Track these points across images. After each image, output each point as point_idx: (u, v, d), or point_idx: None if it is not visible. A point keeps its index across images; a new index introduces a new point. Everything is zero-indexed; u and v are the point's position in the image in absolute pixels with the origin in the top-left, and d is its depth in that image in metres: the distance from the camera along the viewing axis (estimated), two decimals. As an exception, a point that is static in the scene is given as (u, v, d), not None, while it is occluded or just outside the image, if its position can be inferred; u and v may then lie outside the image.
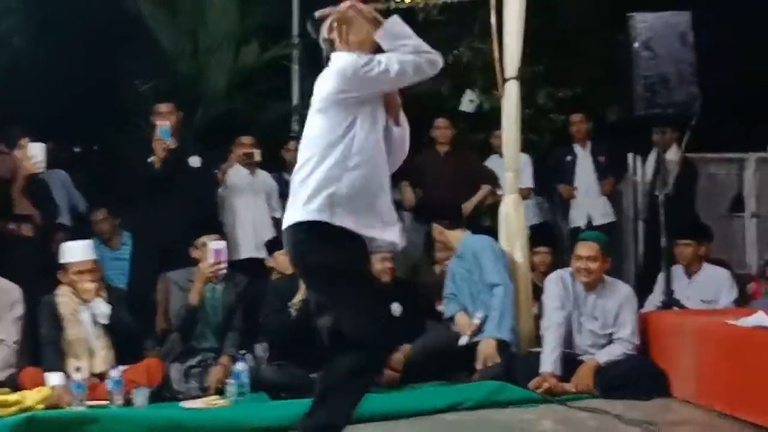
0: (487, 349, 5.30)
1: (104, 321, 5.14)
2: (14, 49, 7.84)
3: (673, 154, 6.65)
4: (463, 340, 5.43)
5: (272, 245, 5.99)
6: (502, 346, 5.31)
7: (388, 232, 3.38)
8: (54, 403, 4.74)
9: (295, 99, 9.18)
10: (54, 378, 4.84)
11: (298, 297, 5.25)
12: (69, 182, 7.07)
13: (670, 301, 5.67)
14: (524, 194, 7.21)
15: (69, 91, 8.26)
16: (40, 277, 5.82)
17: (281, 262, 5.74)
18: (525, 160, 7.38)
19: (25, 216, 6.05)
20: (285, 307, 5.31)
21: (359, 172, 3.28)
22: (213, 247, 5.40)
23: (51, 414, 4.45)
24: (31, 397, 4.71)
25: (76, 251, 5.29)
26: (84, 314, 5.19)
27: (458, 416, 4.63)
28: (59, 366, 4.98)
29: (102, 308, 5.14)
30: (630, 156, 7.93)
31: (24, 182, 5.87)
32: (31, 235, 6.03)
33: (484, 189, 7.30)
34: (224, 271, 5.48)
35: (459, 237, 5.82)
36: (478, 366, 5.26)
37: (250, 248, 6.66)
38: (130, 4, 8.11)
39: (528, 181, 7.41)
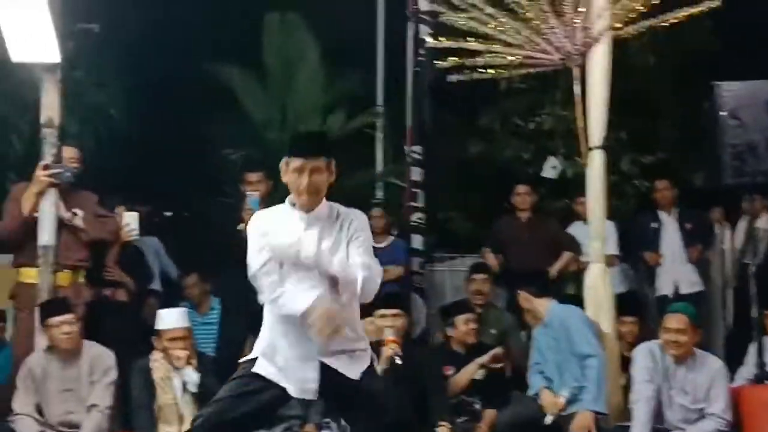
0: (583, 421, 5.21)
1: (194, 389, 5.24)
2: (111, 119, 8.17)
3: (764, 223, 6.52)
4: (548, 419, 5.35)
5: None
6: (599, 418, 5.22)
7: None
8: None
9: (379, 166, 9.33)
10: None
11: (381, 366, 5.27)
12: (161, 249, 7.30)
13: (763, 374, 5.51)
14: (610, 262, 7.16)
15: (162, 158, 8.62)
16: (132, 342, 6.02)
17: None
18: (609, 227, 7.32)
19: (119, 282, 6.29)
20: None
21: None
22: None
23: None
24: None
25: (170, 319, 5.41)
26: (175, 380, 5.30)
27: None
28: (151, 430, 5.07)
29: (192, 376, 5.25)
30: (716, 224, 7.78)
31: (119, 249, 6.09)
32: (125, 301, 6.25)
33: (567, 255, 7.27)
34: None
35: (546, 305, 5.74)
36: None
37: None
38: (221, 74, 8.41)
39: (613, 248, 7.34)
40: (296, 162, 3.48)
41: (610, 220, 6.94)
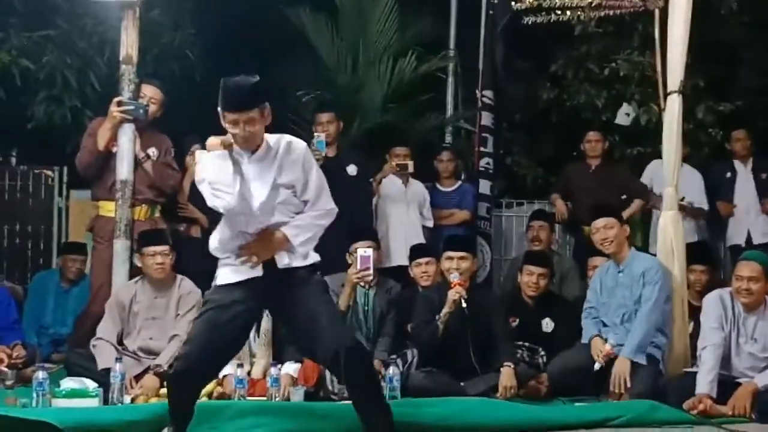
0: (619, 367, 5.22)
1: (268, 327, 5.36)
2: (187, 61, 8.27)
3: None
4: (596, 366, 5.35)
5: (413, 253, 6.07)
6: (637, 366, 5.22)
7: None
8: (218, 396, 5.00)
9: (449, 110, 9.30)
10: (226, 368, 5.08)
11: (446, 309, 5.33)
12: None
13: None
14: (699, 215, 7.09)
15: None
16: (205, 277, 6.17)
17: (417, 272, 5.84)
18: (699, 180, 7.25)
19: (193, 219, 6.44)
20: (433, 318, 5.39)
21: None
22: (360, 254, 5.50)
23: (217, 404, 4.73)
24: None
25: None
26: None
27: (608, 433, 4.60)
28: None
29: (265, 323, 5.36)
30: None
31: (190, 186, 6.23)
32: (198, 237, 6.41)
33: (637, 203, 7.21)
34: (371, 278, 5.57)
35: (627, 247, 5.60)
36: (611, 388, 5.18)
37: (401, 256, 6.77)
38: (294, 18, 8.42)
39: (704, 203, 7.26)
40: (230, 116, 3.76)
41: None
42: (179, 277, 5.57)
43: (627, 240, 5.62)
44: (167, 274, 5.46)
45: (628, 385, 5.12)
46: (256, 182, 3.89)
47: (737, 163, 7.41)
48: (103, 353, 5.23)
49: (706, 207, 7.28)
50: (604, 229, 5.53)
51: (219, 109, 3.81)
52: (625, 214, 7.03)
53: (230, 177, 3.84)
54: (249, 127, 3.78)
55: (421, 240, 6.74)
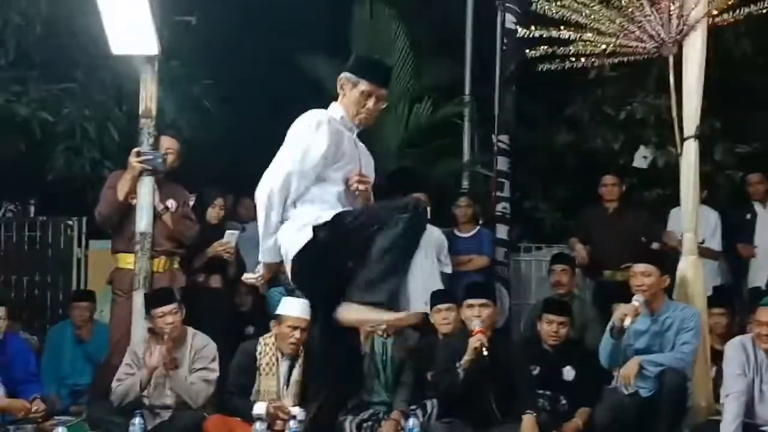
0: (629, 366, 5.18)
1: (297, 378, 5.35)
2: (204, 110, 8.36)
3: None
4: (623, 388, 5.24)
5: (433, 298, 6.03)
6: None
7: None
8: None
9: (466, 155, 9.33)
10: (259, 407, 5.08)
11: (467, 357, 5.29)
12: None
13: None
14: (712, 256, 7.02)
15: (254, 149, 8.75)
16: (225, 328, 6.19)
17: (437, 319, 5.82)
18: (715, 220, 7.20)
19: (214, 268, 6.46)
20: (454, 366, 5.35)
21: None
22: None
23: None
24: (215, 443, 4.96)
25: (295, 307, 5.46)
26: (282, 367, 5.42)
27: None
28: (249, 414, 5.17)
29: (296, 374, 5.37)
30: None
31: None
32: (219, 287, 6.42)
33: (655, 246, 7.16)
34: (384, 326, 5.53)
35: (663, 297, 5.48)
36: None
37: (419, 303, 6.72)
38: (310, 66, 8.51)
39: (717, 244, 7.21)
40: (368, 86, 3.70)
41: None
42: (191, 332, 5.57)
43: (664, 291, 5.49)
44: (179, 331, 5.45)
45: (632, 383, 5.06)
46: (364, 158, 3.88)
47: (757, 205, 7.38)
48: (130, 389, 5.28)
49: (717, 248, 7.21)
50: (641, 276, 5.38)
51: (357, 78, 3.72)
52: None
53: (351, 147, 3.76)
54: (380, 104, 3.78)
55: (440, 286, 6.70)
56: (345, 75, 3.76)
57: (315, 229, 3.53)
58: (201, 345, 5.52)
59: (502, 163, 8.02)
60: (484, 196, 8.53)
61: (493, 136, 8.20)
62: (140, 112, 5.83)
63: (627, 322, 5.19)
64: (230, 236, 6.36)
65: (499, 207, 7.97)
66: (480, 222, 7.75)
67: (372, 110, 3.74)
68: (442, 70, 8.71)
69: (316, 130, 3.61)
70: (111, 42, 5.67)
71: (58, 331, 7.07)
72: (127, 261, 5.85)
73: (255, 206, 7.45)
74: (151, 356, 5.31)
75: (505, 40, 7.99)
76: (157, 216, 5.83)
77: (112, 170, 6.48)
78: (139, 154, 5.73)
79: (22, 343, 6.15)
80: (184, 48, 7.67)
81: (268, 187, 3.64)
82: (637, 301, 5.25)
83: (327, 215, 3.55)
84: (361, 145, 3.84)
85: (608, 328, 5.34)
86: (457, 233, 7.43)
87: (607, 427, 5.25)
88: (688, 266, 5.63)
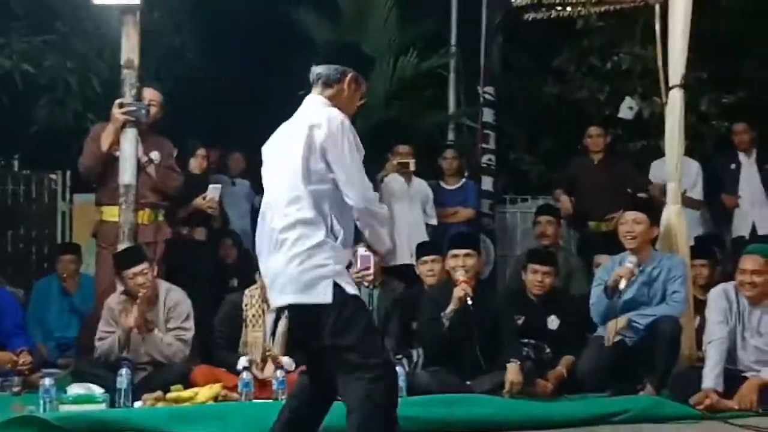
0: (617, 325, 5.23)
1: (283, 330, 5.35)
2: (188, 62, 8.29)
3: None
4: (621, 285, 5.24)
5: (418, 250, 6.06)
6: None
7: None
8: (224, 398, 5.01)
9: (452, 108, 9.30)
10: (242, 361, 5.11)
11: (451, 307, 5.32)
12: (251, 191, 7.54)
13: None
14: (695, 205, 7.06)
15: (237, 101, 8.72)
16: (209, 279, 6.20)
17: (422, 270, 5.84)
18: (696, 169, 7.22)
19: (199, 221, 6.45)
20: (439, 316, 5.39)
21: None
22: (360, 253, 5.45)
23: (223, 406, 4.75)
24: (202, 393, 4.98)
25: None
26: (268, 318, 5.42)
27: (614, 429, 4.58)
28: (234, 366, 5.21)
29: (282, 325, 5.35)
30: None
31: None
32: (203, 240, 6.42)
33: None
34: (371, 277, 5.52)
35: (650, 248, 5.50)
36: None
37: (405, 255, 6.79)
38: (294, 16, 8.43)
39: (699, 193, 7.24)
40: (363, 85, 3.48)
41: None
42: (165, 287, 5.51)
43: (651, 241, 5.51)
44: (151, 291, 5.36)
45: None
46: None
47: (741, 155, 7.39)
48: (111, 346, 5.30)
49: (699, 197, 7.24)
50: (632, 223, 5.41)
51: (351, 74, 3.43)
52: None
53: None
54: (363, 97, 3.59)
55: (425, 238, 6.73)
56: (350, 70, 3.44)
57: None
58: (174, 302, 5.46)
59: (487, 115, 8.01)
60: (470, 148, 8.53)
61: (478, 87, 8.17)
62: (122, 63, 5.76)
63: (622, 284, 5.23)
64: (213, 191, 6.35)
65: (485, 159, 7.97)
66: (465, 174, 7.75)
67: (360, 104, 3.53)
68: (427, 22, 8.63)
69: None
70: (92, -9, 5.60)
71: (45, 285, 7.08)
72: (111, 213, 5.81)
73: (244, 160, 7.61)
74: (127, 317, 5.27)
75: (493, -10, 7.93)
76: (141, 168, 5.79)
77: (95, 122, 6.43)
78: (121, 105, 5.68)
79: (8, 297, 6.15)
80: (167, -1, 7.59)
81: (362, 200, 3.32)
82: (630, 263, 5.28)
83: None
84: None
85: (602, 287, 5.36)
86: (443, 185, 7.44)
87: (591, 374, 5.31)
88: (672, 215, 5.68)
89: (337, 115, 3.30)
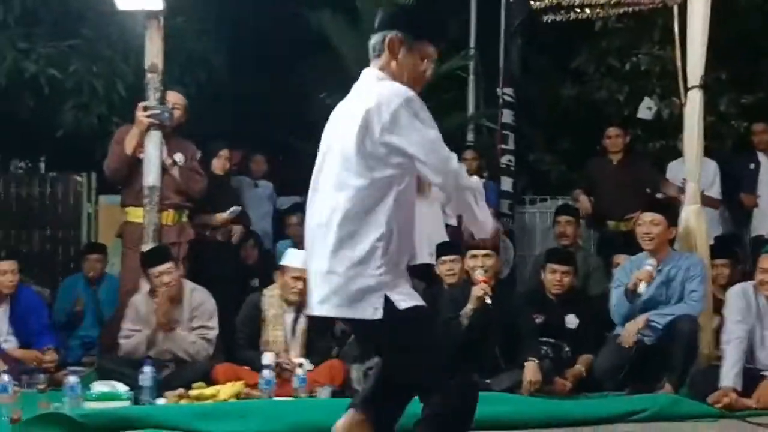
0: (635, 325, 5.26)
1: (303, 327, 5.46)
2: (210, 66, 8.38)
3: None
4: (641, 288, 5.28)
5: (438, 250, 6.11)
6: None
7: None
8: (246, 396, 5.08)
9: (471, 109, 9.34)
10: (267, 357, 5.17)
11: (470, 306, 5.37)
12: (274, 192, 7.70)
13: None
14: (713, 204, 7.07)
15: (260, 104, 8.81)
16: (231, 280, 6.29)
17: (442, 270, 5.89)
18: (714, 169, 7.22)
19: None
20: (458, 315, 5.44)
21: None
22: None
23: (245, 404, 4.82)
24: (224, 391, 5.06)
25: (298, 258, 5.45)
26: (288, 317, 5.51)
27: (632, 427, 4.61)
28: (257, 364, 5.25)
29: (302, 323, 5.48)
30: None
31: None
32: (224, 241, 6.51)
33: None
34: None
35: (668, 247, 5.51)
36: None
37: (425, 254, 6.82)
38: (316, 21, 8.51)
39: (717, 192, 7.24)
40: (429, 48, 2.99)
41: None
42: (189, 286, 5.61)
43: (669, 242, 5.54)
44: (176, 290, 5.48)
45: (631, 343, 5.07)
46: None
47: (760, 155, 7.39)
48: (137, 344, 5.40)
49: (717, 196, 7.25)
50: (649, 224, 5.43)
51: (397, 34, 2.98)
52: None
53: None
54: (434, 67, 3.08)
55: (445, 238, 6.77)
56: (398, 34, 2.96)
57: None
58: (199, 302, 5.56)
59: (507, 116, 8.05)
60: (490, 149, 8.57)
61: (498, 89, 8.21)
62: (146, 67, 5.86)
63: (642, 288, 5.26)
64: (231, 214, 6.41)
65: (504, 159, 8.01)
66: (485, 174, 7.80)
67: (427, 79, 3.03)
68: (447, 23, 8.68)
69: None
70: (116, -3, 5.70)
71: (70, 284, 7.20)
72: (136, 215, 5.92)
73: (265, 161, 7.68)
74: (153, 317, 5.38)
75: (512, -8, 7.97)
76: (165, 170, 5.89)
77: (120, 125, 6.53)
78: (146, 108, 5.79)
79: (35, 296, 6.27)
80: (190, 4, 7.66)
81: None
82: (650, 265, 5.31)
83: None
84: None
85: (622, 289, 5.39)
86: (463, 184, 7.47)
87: (609, 372, 5.35)
88: (691, 215, 5.70)
89: (389, 90, 2.87)
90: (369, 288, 2.82)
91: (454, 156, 2.92)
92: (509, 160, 8.00)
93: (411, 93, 2.88)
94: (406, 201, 2.91)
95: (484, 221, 2.99)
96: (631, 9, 6.01)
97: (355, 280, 2.82)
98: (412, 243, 3.03)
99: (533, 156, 9.26)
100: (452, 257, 5.92)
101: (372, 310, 2.82)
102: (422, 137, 2.85)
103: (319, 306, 2.91)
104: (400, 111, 2.83)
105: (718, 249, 6.14)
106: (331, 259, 2.85)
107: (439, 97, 8.65)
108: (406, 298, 2.87)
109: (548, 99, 9.18)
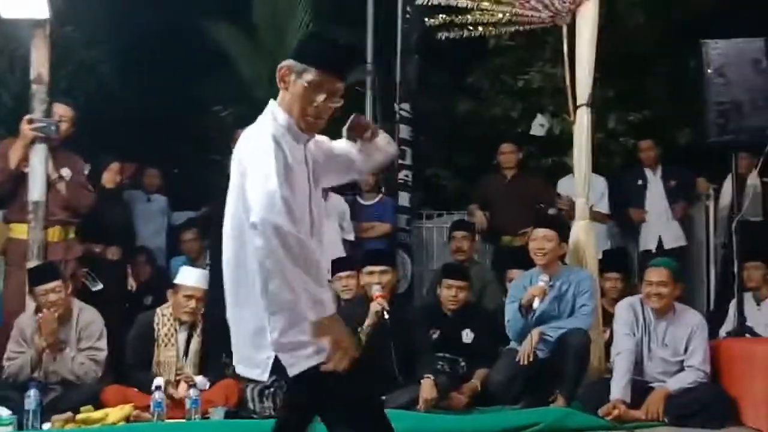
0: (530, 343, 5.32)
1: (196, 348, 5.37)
2: (101, 76, 8.18)
3: (753, 179, 6.57)
4: (535, 304, 5.35)
5: (334, 267, 6.08)
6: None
7: None
8: (135, 418, 4.94)
9: (368, 123, 9.35)
10: (157, 381, 5.03)
11: (368, 322, 5.35)
12: (167, 206, 7.52)
13: (742, 329, 5.62)
14: (601, 219, 7.24)
15: (152, 116, 8.62)
16: (119, 299, 6.11)
17: (338, 286, 5.86)
18: (602, 185, 7.40)
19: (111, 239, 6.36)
20: (355, 331, 5.40)
21: None
22: None
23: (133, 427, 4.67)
24: (113, 414, 4.91)
25: (192, 276, 5.44)
26: (180, 337, 5.38)
27: (527, 440, 4.69)
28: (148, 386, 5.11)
29: (195, 343, 5.38)
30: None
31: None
32: (116, 259, 6.33)
33: (551, 212, 7.35)
34: None
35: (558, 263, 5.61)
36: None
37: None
38: (211, 32, 8.39)
39: (605, 206, 7.43)
40: (316, 75, 2.84)
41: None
42: (78, 306, 5.44)
43: (560, 257, 5.64)
44: (64, 308, 5.29)
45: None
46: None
47: (647, 171, 7.61)
48: (19, 369, 5.19)
49: (605, 211, 7.45)
50: (542, 239, 5.52)
51: (302, 65, 2.85)
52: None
53: (303, 172, 2.88)
54: (335, 102, 2.88)
55: (342, 254, 6.75)
56: (286, 62, 2.88)
57: None
58: (87, 321, 5.40)
59: (404, 132, 8.08)
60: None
61: (395, 104, 8.24)
62: (32, 77, 5.66)
63: (536, 303, 5.34)
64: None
65: (401, 174, 8.04)
66: (382, 189, 7.81)
67: (322, 109, 2.85)
68: (343, 38, 8.66)
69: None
70: (0, 6, 5.49)
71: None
72: (20, 231, 5.70)
73: (159, 175, 7.55)
74: (40, 337, 5.18)
75: (407, 8, 8.02)
76: (51, 184, 5.69)
77: (4, 137, 6.29)
78: (31, 121, 5.58)
79: None
80: (79, 13, 7.45)
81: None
82: (543, 281, 5.40)
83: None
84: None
85: (516, 305, 5.45)
86: (360, 201, 7.48)
87: (504, 386, 5.40)
88: (581, 230, 5.84)
89: (254, 130, 2.85)
90: None
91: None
92: (406, 175, 8.03)
93: (276, 128, 2.83)
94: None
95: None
96: (522, 28, 6.11)
97: None
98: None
99: (430, 171, 9.33)
100: (348, 273, 5.90)
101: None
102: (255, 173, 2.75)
103: None
104: (254, 151, 2.79)
105: (610, 263, 6.30)
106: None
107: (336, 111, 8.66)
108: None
109: (445, 114, 9.27)
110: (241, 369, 2.91)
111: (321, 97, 2.85)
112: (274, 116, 2.88)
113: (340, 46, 2.97)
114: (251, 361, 2.85)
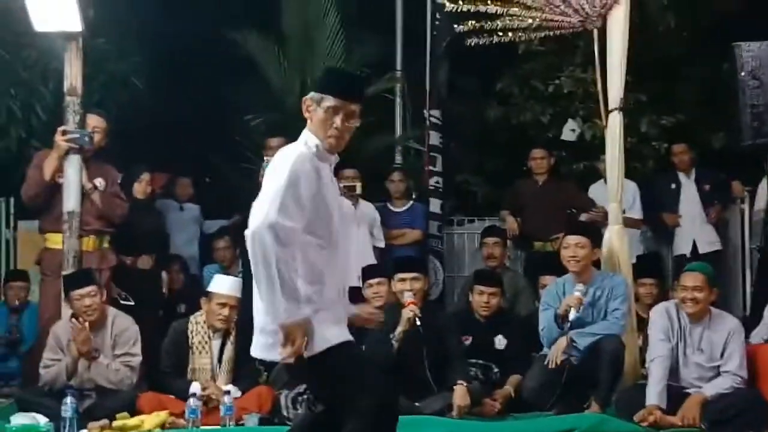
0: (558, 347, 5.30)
1: (230, 355, 5.39)
2: (132, 87, 8.25)
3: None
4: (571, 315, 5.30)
5: (364, 274, 6.08)
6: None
7: None
8: (171, 425, 4.97)
9: (398, 131, 9.37)
10: (195, 387, 5.05)
11: (400, 328, 5.35)
12: (200, 215, 7.61)
13: (778, 333, 5.56)
14: (634, 224, 7.20)
15: (184, 126, 8.69)
16: (153, 307, 6.16)
17: (368, 293, 5.86)
18: (633, 189, 7.36)
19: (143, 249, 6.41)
20: (387, 338, 5.41)
21: None
22: None
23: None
24: (149, 421, 4.95)
25: (225, 284, 5.47)
26: (214, 344, 5.41)
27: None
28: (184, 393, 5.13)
29: (228, 351, 5.40)
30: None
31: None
32: (147, 268, 6.38)
33: (583, 218, 7.31)
34: None
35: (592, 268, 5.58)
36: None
37: (353, 278, 6.79)
38: (241, 43, 8.45)
39: (637, 212, 7.38)
40: (333, 101, 3.25)
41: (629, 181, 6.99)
42: (112, 312, 5.50)
43: (594, 263, 5.60)
44: (98, 314, 5.35)
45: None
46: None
47: (681, 175, 7.56)
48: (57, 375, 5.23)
49: (638, 216, 7.40)
50: (575, 247, 5.48)
51: (321, 94, 3.26)
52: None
53: (329, 188, 3.31)
54: (352, 121, 3.29)
55: (373, 261, 6.76)
56: (309, 95, 3.31)
57: None
58: (121, 328, 5.44)
59: (434, 138, 8.10)
60: (417, 171, 8.60)
61: (424, 111, 8.25)
62: (65, 90, 5.73)
63: (572, 315, 5.29)
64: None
65: (432, 181, 8.05)
66: (413, 196, 7.82)
67: (342, 129, 3.24)
68: (373, 46, 8.71)
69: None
70: (33, 19, 5.56)
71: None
72: (55, 241, 5.77)
73: (191, 184, 7.62)
74: (75, 344, 5.23)
75: (437, 15, 8.03)
76: (85, 195, 5.76)
77: (39, 149, 6.37)
78: (64, 132, 5.65)
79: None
80: (111, 25, 7.53)
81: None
82: (578, 291, 5.36)
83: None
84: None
85: (550, 313, 5.42)
86: (391, 208, 7.50)
87: (537, 393, 5.37)
88: (614, 236, 5.78)
89: (286, 149, 3.25)
90: None
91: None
92: (437, 182, 8.04)
93: (301, 151, 3.21)
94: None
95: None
96: (552, 33, 6.08)
97: None
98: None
99: (460, 177, 9.32)
100: (378, 280, 5.88)
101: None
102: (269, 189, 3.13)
103: None
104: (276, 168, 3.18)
105: (644, 268, 6.25)
106: None
107: (366, 119, 8.66)
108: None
109: (475, 120, 9.26)
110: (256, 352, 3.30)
111: (339, 119, 3.25)
112: (305, 140, 3.28)
113: (350, 75, 3.82)
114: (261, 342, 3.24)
